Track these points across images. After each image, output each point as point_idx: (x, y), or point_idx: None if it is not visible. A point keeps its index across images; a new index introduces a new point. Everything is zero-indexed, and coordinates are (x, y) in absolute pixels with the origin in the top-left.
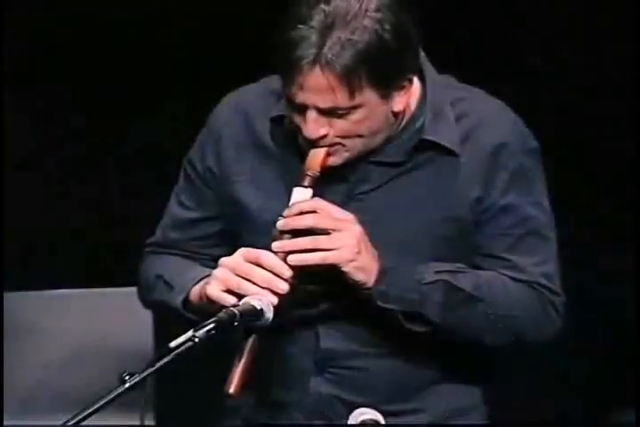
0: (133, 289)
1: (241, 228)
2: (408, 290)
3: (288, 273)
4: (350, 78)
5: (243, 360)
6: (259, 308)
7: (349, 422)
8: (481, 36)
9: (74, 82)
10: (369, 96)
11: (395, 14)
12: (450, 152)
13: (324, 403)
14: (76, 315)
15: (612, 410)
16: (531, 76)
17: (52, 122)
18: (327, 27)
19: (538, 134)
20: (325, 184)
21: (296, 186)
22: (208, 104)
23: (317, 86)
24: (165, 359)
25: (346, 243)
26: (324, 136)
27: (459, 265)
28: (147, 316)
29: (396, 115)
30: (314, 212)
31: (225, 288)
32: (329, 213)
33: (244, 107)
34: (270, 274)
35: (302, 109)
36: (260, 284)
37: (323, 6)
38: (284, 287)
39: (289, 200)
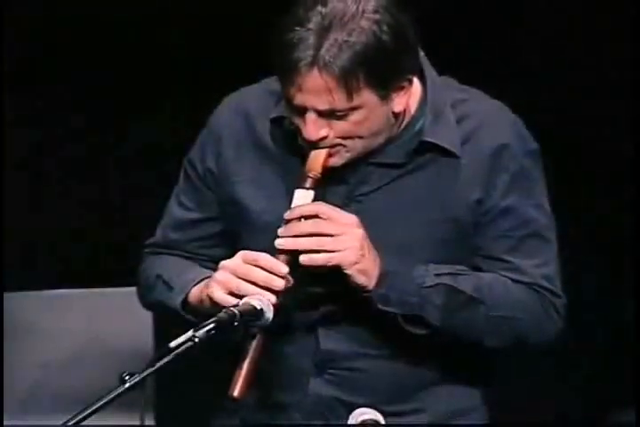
0: (133, 289)
1: (241, 228)
2: (408, 293)
3: (284, 270)
4: (348, 80)
5: (246, 364)
6: (259, 308)
7: (349, 422)
8: (480, 36)
9: (74, 82)
10: (367, 97)
11: (392, 15)
12: (450, 154)
13: (323, 404)
14: (75, 315)
15: (611, 410)
16: (530, 76)
17: (52, 122)
18: (324, 28)
19: (537, 135)
20: (325, 186)
21: (297, 188)
22: (208, 104)
23: (315, 88)
24: (165, 359)
25: (350, 245)
26: (325, 137)
27: (459, 267)
28: (147, 316)
29: (396, 115)
30: (316, 216)
31: (226, 291)
32: (331, 217)
33: (244, 108)
34: (267, 273)
35: (301, 111)
36: (259, 284)
37: (320, 8)
38: (279, 284)
39: (290, 202)
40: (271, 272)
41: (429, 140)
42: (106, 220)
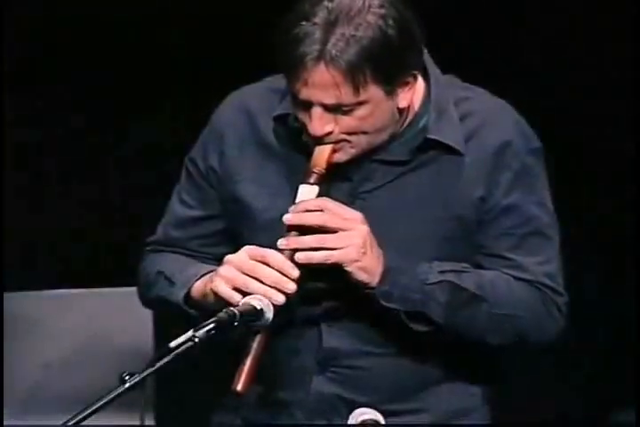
0: (133, 289)
1: (242, 226)
2: (411, 290)
3: (296, 273)
4: (355, 74)
5: (250, 358)
6: (258, 308)
7: (349, 422)
8: (481, 35)
9: (74, 82)
10: (374, 92)
11: (398, 10)
12: (454, 151)
13: (325, 402)
14: (76, 315)
15: (611, 410)
16: (531, 76)
17: (52, 122)
18: (330, 23)
19: (538, 134)
20: (329, 183)
21: (302, 183)
22: (208, 104)
23: (322, 82)
24: (165, 359)
25: (352, 242)
26: (330, 133)
27: (462, 265)
28: (147, 316)
29: (400, 111)
30: (320, 211)
31: (231, 286)
32: (336, 212)
33: (246, 106)
34: (278, 273)
35: (307, 106)
36: (267, 282)
37: (326, 3)
38: (292, 287)
39: (293, 199)
40: (281, 273)
41: (433, 137)
42: (106, 220)
